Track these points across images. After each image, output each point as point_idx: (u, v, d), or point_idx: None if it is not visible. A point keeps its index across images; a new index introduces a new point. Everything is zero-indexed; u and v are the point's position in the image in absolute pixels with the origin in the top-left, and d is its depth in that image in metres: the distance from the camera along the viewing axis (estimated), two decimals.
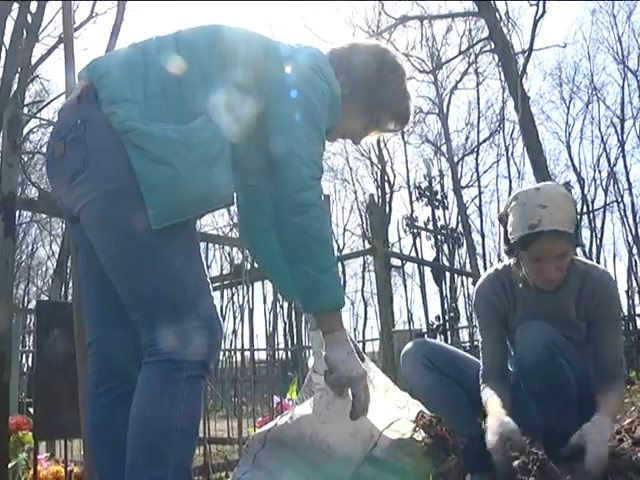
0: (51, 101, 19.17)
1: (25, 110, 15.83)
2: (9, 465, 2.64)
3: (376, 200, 18.24)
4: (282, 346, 18.82)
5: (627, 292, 19.31)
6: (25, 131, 13.88)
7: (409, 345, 2.50)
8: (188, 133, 1.59)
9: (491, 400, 2.24)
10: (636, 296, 17.81)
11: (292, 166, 1.72)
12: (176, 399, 1.57)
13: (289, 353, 12.84)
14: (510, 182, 23.43)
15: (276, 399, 3.87)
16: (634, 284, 20.40)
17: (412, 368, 2.47)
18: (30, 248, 24.48)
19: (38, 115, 17.18)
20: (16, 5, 12.47)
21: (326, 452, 2.04)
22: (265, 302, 16.30)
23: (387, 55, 2.05)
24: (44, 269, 25.33)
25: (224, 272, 4.97)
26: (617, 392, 2.24)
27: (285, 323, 22.09)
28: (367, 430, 2.05)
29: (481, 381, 2.36)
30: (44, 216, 17.63)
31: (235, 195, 1.92)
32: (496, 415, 2.11)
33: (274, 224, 1.80)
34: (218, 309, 1.77)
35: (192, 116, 1.62)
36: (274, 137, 1.76)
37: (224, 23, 1.88)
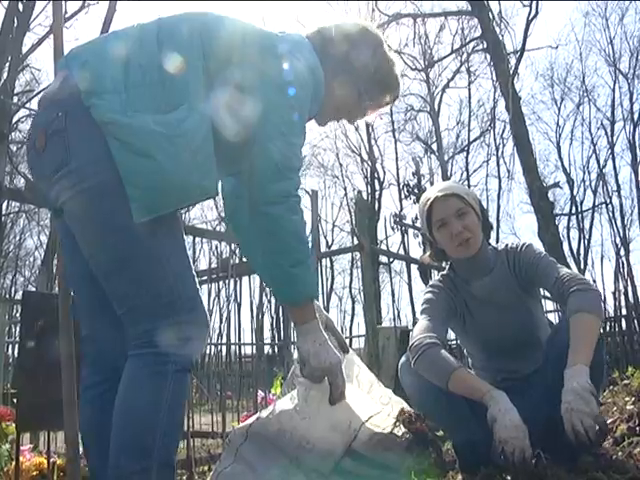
0: (41, 91, 19.04)
1: (15, 99, 15.73)
2: None
3: (365, 197, 18.25)
4: (268, 341, 18.81)
5: (614, 293, 19.38)
6: (14, 120, 13.79)
7: (407, 354, 2.43)
8: (169, 124, 1.57)
9: (470, 375, 2.27)
10: (622, 297, 17.88)
11: (268, 156, 1.72)
12: (162, 392, 1.56)
13: (276, 348, 12.85)
14: (500, 181, 23.49)
15: (260, 394, 3.88)
16: (621, 285, 20.50)
17: (410, 380, 2.41)
18: (18, 238, 24.36)
19: (28, 105, 17.05)
20: None
21: (306, 447, 2.04)
22: (252, 296, 16.26)
23: (363, 27, 2.08)
24: (32, 259, 25.23)
25: (212, 266, 4.95)
26: (582, 293, 2.20)
27: (272, 318, 22.06)
28: (346, 422, 2.06)
29: (433, 341, 2.29)
30: (32, 206, 17.50)
31: (220, 183, 1.93)
32: (504, 403, 2.05)
33: (249, 211, 1.78)
34: (205, 303, 1.76)
35: (174, 106, 1.61)
36: (253, 126, 1.73)
37: (211, 11, 1.87)
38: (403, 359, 2.44)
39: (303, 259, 1.75)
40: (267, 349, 12.23)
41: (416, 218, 2.62)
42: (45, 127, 1.64)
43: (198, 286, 1.72)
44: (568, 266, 2.43)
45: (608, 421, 2.52)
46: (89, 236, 1.66)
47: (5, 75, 12.28)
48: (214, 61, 1.72)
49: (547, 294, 2.55)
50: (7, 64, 12.39)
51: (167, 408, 1.57)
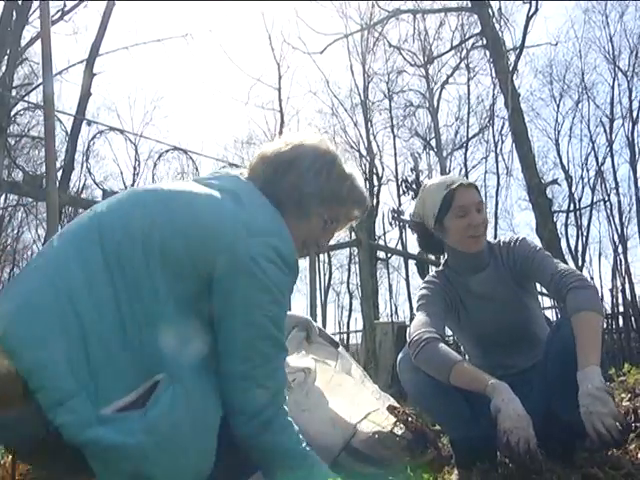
0: (40, 84, 19.02)
1: (13, 93, 15.71)
2: None
3: None
4: None
5: (611, 291, 19.44)
6: (12, 113, 13.75)
7: (405, 350, 2.42)
8: (156, 424, 1.39)
9: (472, 367, 2.24)
10: (619, 295, 17.94)
11: (245, 391, 1.52)
12: None
13: None
14: (498, 178, 23.42)
15: None
16: (618, 283, 20.55)
17: (409, 376, 2.38)
18: (16, 232, 24.32)
19: (26, 98, 17.02)
20: None
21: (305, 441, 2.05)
22: None
23: (303, 148, 1.82)
24: (29, 253, 25.16)
25: None
26: (580, 291, 2.19)
27: None
28: (346, 419, 2.07)
29: (433, 335, 2.28)
30: (30, 200, 17.50)
31: None
32: (508, 393, 2.04)
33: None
34: None
35: (149, 373, 1.41)
36: (225, 360, 1.53)
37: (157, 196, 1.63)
38: (401, 355, 2.44)
39: (304, 465, 1.59)
40: None
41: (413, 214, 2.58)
42: None
43: None
44: (566, 263, 2.41)
45: None
46: None
47: (4, 68, 12.26)
48: (182, 293, 1.50)
49: (544, 290, 2.53)
50: (6, 57, 12.36)
51: None
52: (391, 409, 2.29)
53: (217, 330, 1.53)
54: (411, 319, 6.58)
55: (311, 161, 1.79)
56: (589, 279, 2.33)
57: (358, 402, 2.11)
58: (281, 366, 1.59)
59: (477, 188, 2.54)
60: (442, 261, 2.67)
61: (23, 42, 15.04)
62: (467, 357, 2.72)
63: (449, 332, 2.84)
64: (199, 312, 1.52)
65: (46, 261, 1.53)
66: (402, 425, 2.34)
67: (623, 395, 2.85)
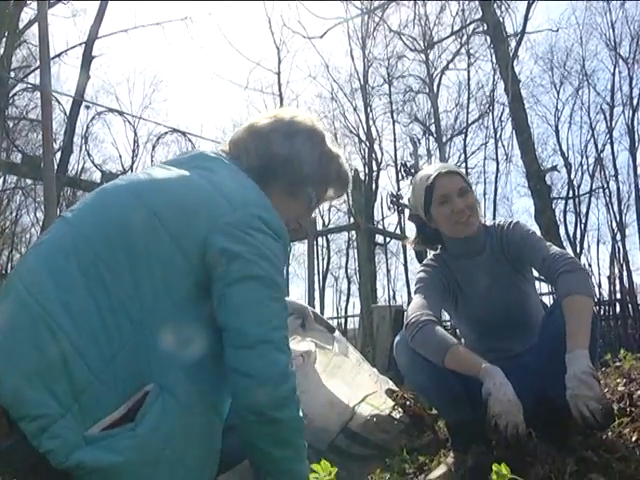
0: (38, 67, 18.92)
1: (12, 75, 15.62)
2: None
3: (363, 178, 18.22)
4: None
5: (609, 278, 19.47)
6: (10, 95, 13.69)
7: (402, 333, 2.41)
8: (146, 440, 1.34)
9: (466, 351, 2.25)
10: (617, 282, 17.97)
11: (265, 356, 1.42)
12: None
13: None
14: (497, 164, 23.37)
15: None
16: (616, 270, 20.58)
17: (405, 359, 2.39)
18: (14, 215, 24.27)
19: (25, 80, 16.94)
20: None
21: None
22: None
23: (298, 126, 1.79)
24: (28, 236, 25.14)
25: None
26: (571, 275, 2.20)
27: None
28: (344, 401, 2.08)
29: (429, 318, 2.29)
30: (29, 182, 17.46)
31: None
32: (500, 377, 2.04)
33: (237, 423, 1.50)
34: None
35: (138, 384, 1.37)
36: (238, 330, 1.44)
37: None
38: (398, 338, 2.44)
39: (305, 455, 1.54)
40: None
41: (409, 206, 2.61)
42: None
43: None
44: (563, 249, 2.40)
45: None
46: None
47: (2, 50, 12.20)
48: (171, 295, 1.44)
49: (542, 277, 2.55)
50: (4, 39, 12.30)
51: None
52: (390, 392, 2.31)
53: (224, 305, 1.44)
54: (409, 304, 6.59)
55: (305, 139, 1.77)
56: (580, 262, 2.34)
57: (357, 384, 2.12)
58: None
59: (460, 174, 2.55)
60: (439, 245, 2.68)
61: (21, 25, 14.94)
62: (463, 340, 2.74)
63: (446, 317, 2.86)
64: (193, 313, 1.46)
65: (20, 279, 1.47)
66: (400, 409, 2.36)
67: (618, 380, 2.86)
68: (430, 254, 2.71)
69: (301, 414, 1.50)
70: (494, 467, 1.60)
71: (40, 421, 1.30)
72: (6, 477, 1.44)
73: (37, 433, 1.30)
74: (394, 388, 2.20)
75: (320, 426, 2.11)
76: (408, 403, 2.39)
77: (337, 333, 2.45)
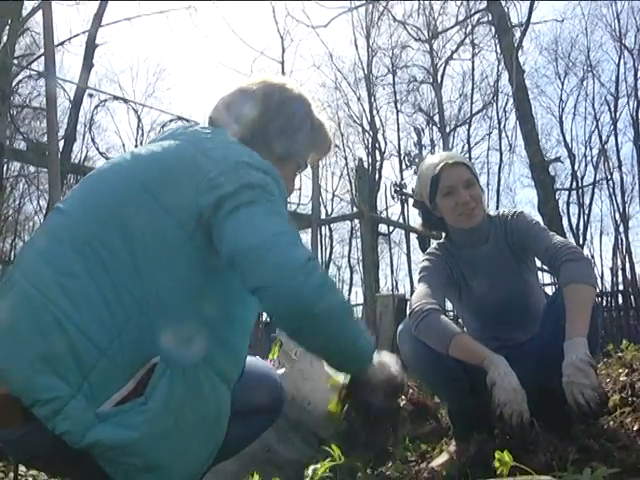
0: (41, 55, 18.88)
1: (15, 62, 15.60)
2: None
3: (366, 167, 18.20)
4: None
5: (612, 269, 19.49)
6: (14, 83, 13.68)
7: (405, 322, 2.43)
8: (158, 414, 1.37)
9: (471, 340, 2.25)
10: (619, 273, 17.98)
11: (273, 261, 1.37)
12: None
13: None
14: (501, 155, 23.42)
15: None
16: (619, 261, 20.56)
17: (408, 347, 2.39)
18: (17, 203, 24.28)
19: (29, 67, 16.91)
20: None
21: (307, 409, 2.08)
22: None
23: (289, 93, 1.81)
24: (31, 224, 25.16)
25: None
26: (573, 263, 2.21)
27: None
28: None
29: (434, 306, 2.30)
30: (32, 170, 17.49)
31: None
32: (504, 366, 2.05)
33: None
34: None
35: (144, 357, 1.38)
36: (249, 242, 1.40)
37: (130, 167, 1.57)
38: (401, 326, 2.46)
39: (360, 330, 1.54)
40: (265, 316, 12.28)
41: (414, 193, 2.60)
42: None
43: None
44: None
45: None
46: None
47: (5, 38, 12.17)
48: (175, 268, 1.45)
49: (545, 267, 2.55)
50: (7, 27, 12.27)
51: None
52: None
53: (224, 239, 1.43)
54: (411, 294, 6.59)
55: (297, 106, 1.80)
56: (582, 251, 2.35)
57: None
58: None
59: (467, 164, 2.56)
60: (444, 234, 2.68)
61: (24, 12, 14.91)
62: (465, 329, 2.74)
63: (449, 305, 2.86)
64: (195, 283, 1.46)
65: (20, 271, 1.49)
66: (403, 397, 2.37)
67: (620, 370, 2.87)
68: (434, 243, 2.72)
69: (341, 297, 1.48)
70: (497, 454, 1.61)
71: (52, 404, 1.31)
72: (25, 465, 1.46)
73: (50, 416, 1.31)
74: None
75: (324, 412, 2.13)
76: (411, 391, 2.40)
77: None
